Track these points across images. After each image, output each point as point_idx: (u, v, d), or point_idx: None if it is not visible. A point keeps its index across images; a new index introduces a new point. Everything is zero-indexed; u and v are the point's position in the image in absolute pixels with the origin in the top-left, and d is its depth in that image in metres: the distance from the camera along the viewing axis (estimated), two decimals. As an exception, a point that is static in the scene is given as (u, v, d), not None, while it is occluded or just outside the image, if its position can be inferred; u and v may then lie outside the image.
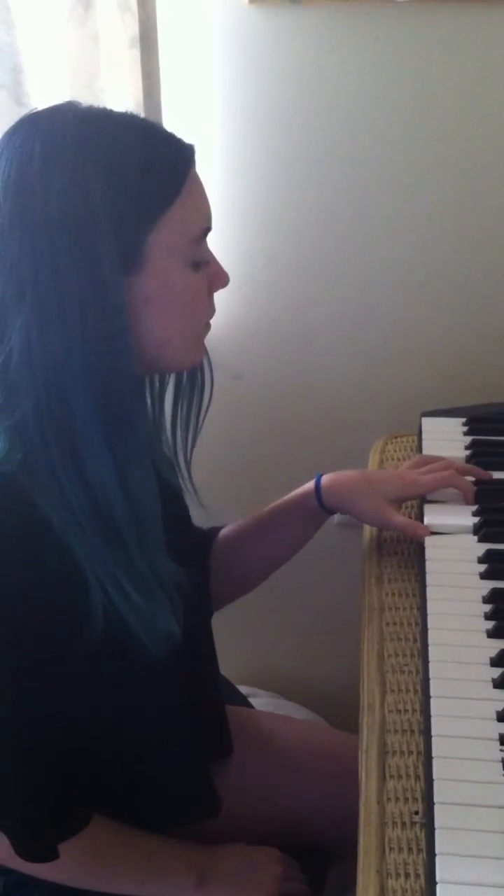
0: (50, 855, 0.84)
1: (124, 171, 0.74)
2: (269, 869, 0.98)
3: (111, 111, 0.78)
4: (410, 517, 1.03)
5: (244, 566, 1.10)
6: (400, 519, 0.99)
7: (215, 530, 1.11)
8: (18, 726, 0.80)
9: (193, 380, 0.94)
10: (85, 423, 0.74)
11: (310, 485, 1.05)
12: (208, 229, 0.82)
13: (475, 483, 1.03)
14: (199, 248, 0.81)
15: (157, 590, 0.79)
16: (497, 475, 1.08)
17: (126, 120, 0.78)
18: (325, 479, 1.04)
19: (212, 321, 0.88)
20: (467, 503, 1.01)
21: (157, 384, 0.94)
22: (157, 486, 0.81)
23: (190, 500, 1.03)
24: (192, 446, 0.97)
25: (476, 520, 0.98)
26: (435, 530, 0.97)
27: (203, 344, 0.88)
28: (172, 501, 0.95)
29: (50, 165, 0.72)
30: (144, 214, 0.76)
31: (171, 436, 0.96)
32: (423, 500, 1.02)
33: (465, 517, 0.99)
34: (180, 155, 0.79)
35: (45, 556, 0.74)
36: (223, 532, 1.11)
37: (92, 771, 0.89)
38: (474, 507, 1.01)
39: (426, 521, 0.99)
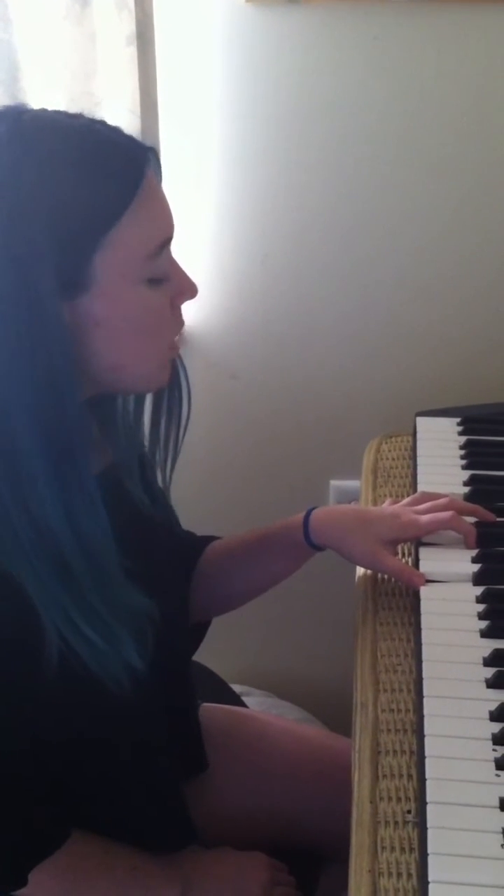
0: (20, 882, 0.81)
1: (64, 189, 0.69)
2: (255, 875, 0.94)
3: (59, 117, 0.73)
4: (407, 560, 0.99)
5: (227, 588, 1.07)
6: (393, 563, 0.93)
7: (207, 540, 1.08)
8: None
9: (171, 397, 0.90)
10: (28, 455, 0.70)
11: (298, 519, 0.99)
12: (168, 240, 0.76)
13: (476, 525, 0.97)
14: (154, 264, 0.75)
15: (114, 625, 0.75)
16: (491, 474, 1.09)
17: (72, 129, 0.72)
18: (315, 515, 0.98)
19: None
20: (469, 547, 0.95)
21: (133, 402, 0.90)
22: (124, 506, 0.77)
23: (178, 505, 1.01)
24: (173, 465, 0.93)
25: (476, 567, 0.92)
26: (431, 578, 0.91)
27: (169, 365, 0.83)
28: (146, 529, 0.90)
29: None
30: (86, 235, 0.70)
31: (150, 455, 0.93)
32: (419, 543, 0.97)
33: (463, 564, 0.93)
34: (129, 167, 0.72)
35: None
36: (213, 547, 1.07)
37: (61, 796, 0.86)
38: (474, 553, 0.95)
39: (422, 567, 0.93)
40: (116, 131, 0.75)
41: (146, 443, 0.93)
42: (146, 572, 0.80)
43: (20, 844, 0.82)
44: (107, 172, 0.71)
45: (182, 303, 0.81)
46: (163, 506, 0.95)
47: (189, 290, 0.80)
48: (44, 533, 0.71)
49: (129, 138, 0.75)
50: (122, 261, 0.72)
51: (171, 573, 0.96)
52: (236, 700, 1.35)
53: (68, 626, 0.73)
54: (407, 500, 1.01)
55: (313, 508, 0.99)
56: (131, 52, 1.24)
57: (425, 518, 0.95)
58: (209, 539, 1.08)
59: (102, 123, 0.75)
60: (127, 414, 0.90)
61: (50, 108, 0.75)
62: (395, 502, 1.03)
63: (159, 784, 0.93)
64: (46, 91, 1.26)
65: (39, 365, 0.69)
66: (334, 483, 1.61)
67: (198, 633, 1.10)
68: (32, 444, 0.70)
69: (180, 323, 0.82)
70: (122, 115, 1.26)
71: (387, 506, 1.03)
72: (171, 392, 0.90)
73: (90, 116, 0.75)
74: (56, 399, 0.70)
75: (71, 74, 1.26)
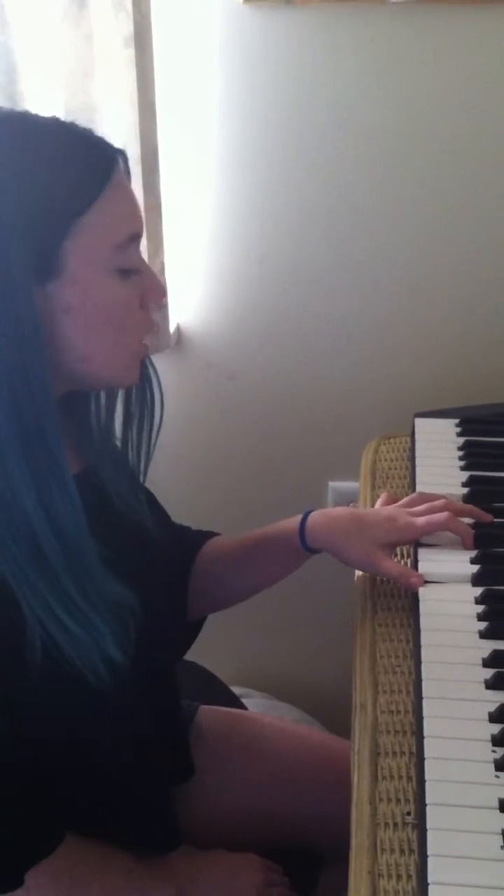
0: (16, 882, 0.80)
1: (35, 175, 0.71)
2: (249, 877, 0.95)
3: (31, 115, 0.76)
4: (405, 562, 0.99)
5: (222, 588, 1.06)
6: (391, 566, 0.93)
7: (203, 536, 1.08)
8: None
9: (142, 400, 0.90)
10: (2, 441, 0.71)
11: (294, 522, 0.99)
12: (137, 236, 0.79)
13: (475, 526, 0.97)
14: (123, 255, 0.77)
15: (91, 613, 0.75)
16: (490, 475, 1.09)
17: (44, 124, 0.75)
18: (312, 519, 0.98)
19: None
20: (466, 548, 0.95)
21: (104, 400, 0.90)
22: (102, 503, 0.77)
23: (176, 507, 1.01)
24: (146, 466, 0.93)
25: (475, 568, 0.92)
26: (430, 579, 0.91)
27: (139, 364, 0.84)
28: (129, 528, 0.90)
29: None
30: (57, 219, 0.72)
31: (124, 455, 0.92)
32: (418, 544, 0.97)
33: (462, 564, 0.93)
34: (100, 158, 0.76)
35: None
36: (210, 545, 1.07)
37: (52, 795, 0.85)
38: (473, 554, 0.94)
39: (420, 568, 0.93)
40: (88, 131, 0.77)
41: (119, 444, 0.93)
42: (129, 569, 0.80)
43: (15, 844, 0.81)
44: (78, 161, 0.74)
45: (151, 303, 0.82)
46: (146, 506, 0.94)
47: (157, 290, 0.82)
48: (17, 515, 0.72)
49: (100, 138, 0.78)
50: (91, 247, 0.74)
51: (157, 571, 0.95)
52: (235, 702, 1.34)
53: (46, 614, 0.73)
54: (404, 500, 1.01)
55: (310, 512, 0.99)
56: (129, 54, 1.24)
57: (422, 520, 0.95)
58: (206, 535, 1.08)
59: (73, 123, 0.77)
60: (99, 414, 0.90)
61: (34, 111, 0.78)
62: (391, 499, 1.04)
63: (144, 786, 0.92)
64: (44, 93, 1.26)
65: (10, 346, 0.70)
66: (333, 484, 1.61)
67: (191, 631, 1.10)
68: (4, 425, 0.71)
69: (150, 323, 0.83)
70: (119, 116, 1.26)
71: (382, 505, 1.03)
72: (142, 392, 0.90)
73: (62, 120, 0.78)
74: (27, 380, 0.71)
75: (68, 76, 1.26)
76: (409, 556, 1.00)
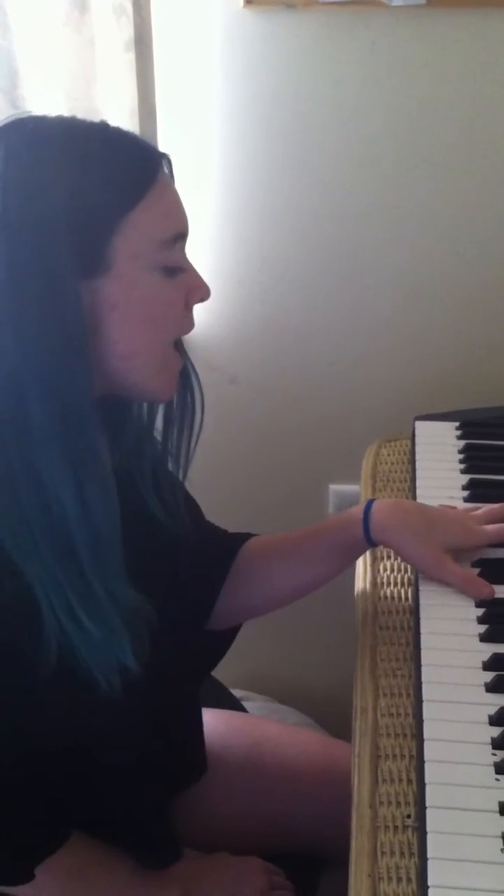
0: (25, 877, 0.81)
1: (85, 173, 0.73)
2: (252, 880, 0.95)
3: (78, 119, 0.77)
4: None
5: (263, 588, 1.01)
6: (459, 572, 0.89)
7: (241, 539, 1.04)
8: None
9: (183, 405, 0.90)
10: (41, 429, 0.71)
11: (357, 512, 0.93)
12: (182, 235, 0.80)
13: None
14: (169, 253, 0.78)
15: (113, 618, 0.74)
16: (490, 478, 1.09)
17: (91, 126, 0.77)
18: (377, 509, 0.92)
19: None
20: None
21: (146, 408, 0.90)
22: (129, 510, 0.77)
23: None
24: (185, 471, 0.92)
25: (475, 571, 0.91)
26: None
27: (176, 375, 0.84)
28: (152, 529, 0.89)
29: (10, 166, 0.71)
30: (105, 216, 0.74)
31: (162, 462, 0.92)
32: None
33: (462, 567, 0.91)
34: (147, 160, 0.77)
35: None
36: (252, 545, 1.02)
37: (56, 797, 0.86)
38: (473, 557, 0.93)
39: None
40: (133, 134, 0.80)
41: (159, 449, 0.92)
42: (146, 576, 0.79)
43: (25, 839, 0.82)
44: (124, 160, 0.76)
45: (194, 302, 0.83)
46: (179, 513, 0.93)
47: (201, 290, 0.82)
48: (52, 507, 0.71)
49: (145, 140, 0.80)
50: (137, 244, 0.75)
51: (180, 579, 0.94)
52: (236, 704, 1.34)
53: (66, 614, 0.73)
54: (467, 506, 1.00)
55: (371, 502, 0.94)
56: (130, 58, 1.24)
57: (491, 528, 0.93)
58: (244, 537, 1.04)
59: (119, 128, 0.79)
60: (141, 418, 0.90)
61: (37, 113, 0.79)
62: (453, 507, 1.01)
63: (148, 796, 0.92)
64: (46, 97, 1.26)
65: (56, 339, 0.71)
66: (333, 487, 1.61)
67: (223, 640, 1.07)
68: (47, 417, 0.71)
69: (190, 323, 0.84)
70: (120, 120, 1.27)
71: (444, 507, 1.00)
72: (183, 397, 0.90)
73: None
74: (71, 374, 0.72)
75: (70, 80, 1.26)
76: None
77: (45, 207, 0.71)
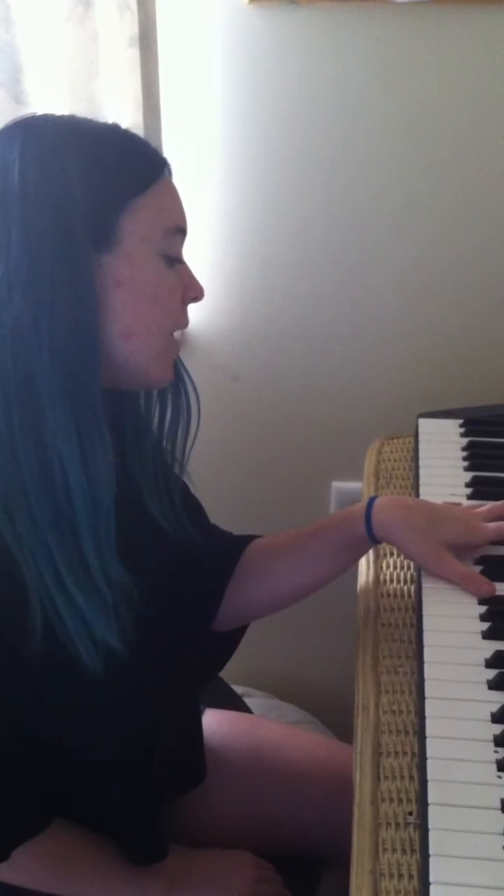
0: (1, 857, 0.81)
1: (100, 155, 0.77)
2: (240, 873, 0.96)
3: (91, 119, 0.82)
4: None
5: (268, 587, 1.00)
6: (460, 569, 0.89)
7: (245, 540, 1.03)
8: None
9: (178, 400, 0.91)
10: (49, 395, 0.73)
11: (359, 509, 0.94)
12: (183, 231, 0.84)
13: None
14: (171, 242, 0.82)
15: (103, 590, 0.75)
16: (493, 475, 1.09)
17: (105, 123, 0.82)
18: (379, 505, 0.93)
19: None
20: None
21: (143, 399, 0.91)
22: (121, 498, 0.77)
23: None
24: (182, 467, 0.93)
25: (477, 568, 0.91)
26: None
27: (172, 361, 0.86)
28: (145, 522, 0.90)
29: (29, 145, 0.75)
30: (118, 194, 0.78)
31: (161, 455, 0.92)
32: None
33: (465, 564, 0.91)
34: (155, 155, 0.82)
35: None
36: (258, 542, 1.03)
37: (41, 783, 0.85)
38: (475, 555, 0.92)
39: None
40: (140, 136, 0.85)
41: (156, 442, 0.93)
42: (133, 563, 0.79)
43: (4, 819, 0.81)
44: (136, 150, 0.81)
45: (189, 299, 0.85)
46: (177, 510, 0.93)
47: (196, 288, 0.85)
48: (54, 468, 0.73)
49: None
50: (144, 226, 0.79)
51: (175, 578, 0.94)
52: (237, 701, 1.34)
53: (53, 580, 0.73)
54: (472, 503, 1.00)
55: (374, 499, 0.94)
56: (133, 54, 1.24)
57: (493, 525, 0.94)
58: (248, 538, 1.04)
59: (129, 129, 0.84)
60: (138, 415, 0.91)
61: (39, 110, 0.82)
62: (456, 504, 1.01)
63: (130, 803, 0.91)
64: (48, 93, 1.26)
65: (68, 305, 0.74)
66: (336, 485, 1.61)
67: (229, 641, 1.07)
68: (56, 381, 0.73)
69: (185, 318, 0.86)
70: (124, 116, 1.27)
71: (447, 504, 1.00)
72: (177, 392, 0.91)
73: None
74: (80, 340, 0.74)
75: (73, 76, 1.26)
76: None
77: (60, 182, 0.74)
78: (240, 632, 1.08)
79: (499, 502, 0.97)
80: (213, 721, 1.12)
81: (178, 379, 0.91)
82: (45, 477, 0.73)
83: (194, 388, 0.92)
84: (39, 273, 0.73)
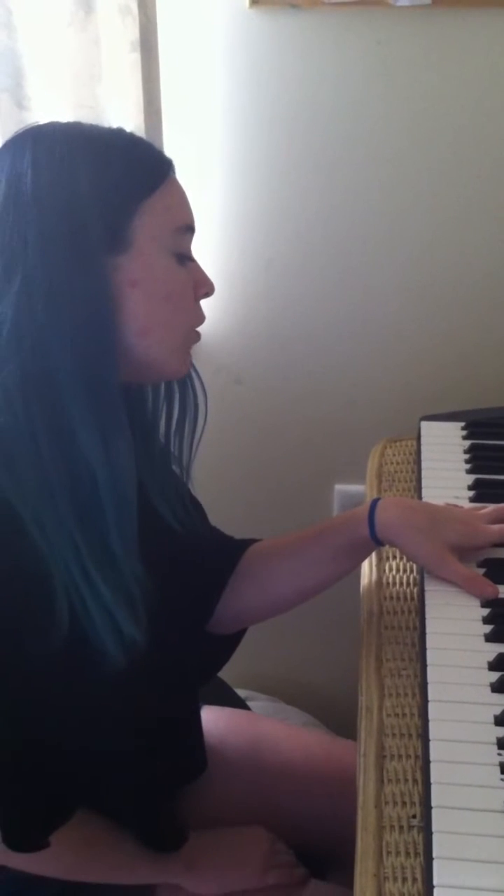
0: (36, 845, 0.83)
1: (108, 160, 0.79)
2: (255, 847, 0.99)
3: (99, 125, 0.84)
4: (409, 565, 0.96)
5: (271, 589, 1.00)
6: (462, 570, 0.89)
7: (246, 543, 1.04)
8: None
9: (185, 401, 0.92)
10: (73, 390, 0.74)
11: (362, 511, 0.93)
12: (191, 229, 0.85)
13: None
14: (181, 241, 0.83)
15: (128, 582, 0.76)
16: (496, 478, 1.09)
17: (111, 128, 0.83)
18: (382, 507, 0.92)
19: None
20: None
21: (150, 396, 0.92)
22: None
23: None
24: (188, 467, 0.94)
25: (480, 571, 0.90)
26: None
27: (189, 357, 0.87)
28: (153, 521, 0.90)
29: (40, 153, 0.77)
30: (128, 196, 0.79)
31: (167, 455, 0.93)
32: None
33: (468, 567, 0.90)
34: (161, 156, 0.84)
35: (10, 540, 0.72)
36: (257, 548, 1.03)
37: (65, 771, 0.86)
38: (479, 557, 0.92)
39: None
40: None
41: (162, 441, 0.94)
42: (145, 562, 0.79)
43: (40, 806, 0.84)
44: (144, 153, 0.83)
45: (201, 295, 0.86)
46: (182, 511, 0.94)
47: (206, 284, 0.87)
48: (79, 463, 0.74)
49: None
50: (155, 226, 0.80)
51: (177, 578, 0.94)
52: (240, 705, 1.34)
53: (81, 573, 0.74)
54: (474, 505, 1.00)
55: (377, 501, 0.94)
56: (135, 58, 1.24)
57: (496, 527, 0.93)
58: (248, 542, 1.04)
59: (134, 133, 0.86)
60: (146, 417, 0.92)
61: (41, 114, 0.87)
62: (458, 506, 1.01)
63: (143, 792, 0.93)
64: (50, 97, 1.26)
65: (85, 308, 0.75)
66: (339, 487, 1.61)
67: (228, 644, 1.07)
68: (76, 380, 0.74)
69: (201, 314, 0.87)
70: (125, 120, 1.27)
71: (450, 506, 1.00)
72: (184, 392, 0.92)
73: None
74: (97, 343, 0.76)
75: (75, 80, 1.26)
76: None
77: (72, 186, 0.76)
78: (238, 635, 1.08)
79: (501, 504, 0.97)
80: (212, 718, 1.13)
81: (188, 386, 0.92)
82: (70, 473, 0.74)
83: (201, 383, 0.93)
84: (57, 278, 0.74)
